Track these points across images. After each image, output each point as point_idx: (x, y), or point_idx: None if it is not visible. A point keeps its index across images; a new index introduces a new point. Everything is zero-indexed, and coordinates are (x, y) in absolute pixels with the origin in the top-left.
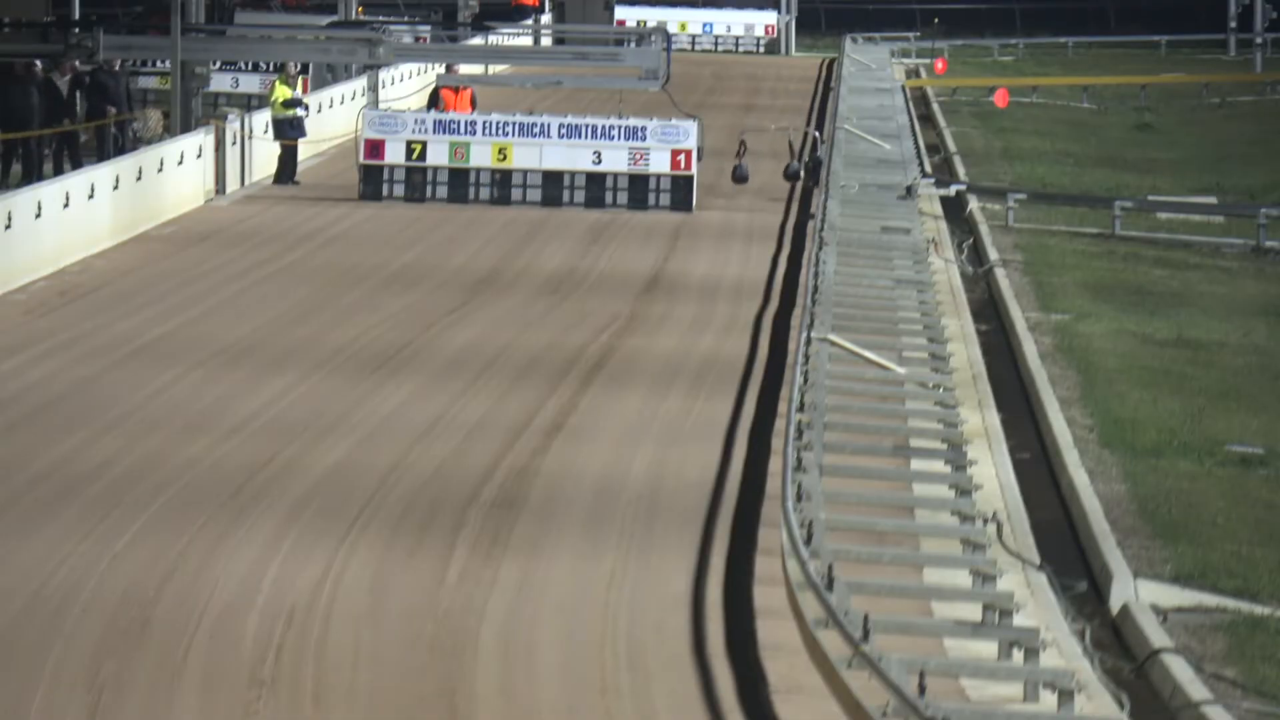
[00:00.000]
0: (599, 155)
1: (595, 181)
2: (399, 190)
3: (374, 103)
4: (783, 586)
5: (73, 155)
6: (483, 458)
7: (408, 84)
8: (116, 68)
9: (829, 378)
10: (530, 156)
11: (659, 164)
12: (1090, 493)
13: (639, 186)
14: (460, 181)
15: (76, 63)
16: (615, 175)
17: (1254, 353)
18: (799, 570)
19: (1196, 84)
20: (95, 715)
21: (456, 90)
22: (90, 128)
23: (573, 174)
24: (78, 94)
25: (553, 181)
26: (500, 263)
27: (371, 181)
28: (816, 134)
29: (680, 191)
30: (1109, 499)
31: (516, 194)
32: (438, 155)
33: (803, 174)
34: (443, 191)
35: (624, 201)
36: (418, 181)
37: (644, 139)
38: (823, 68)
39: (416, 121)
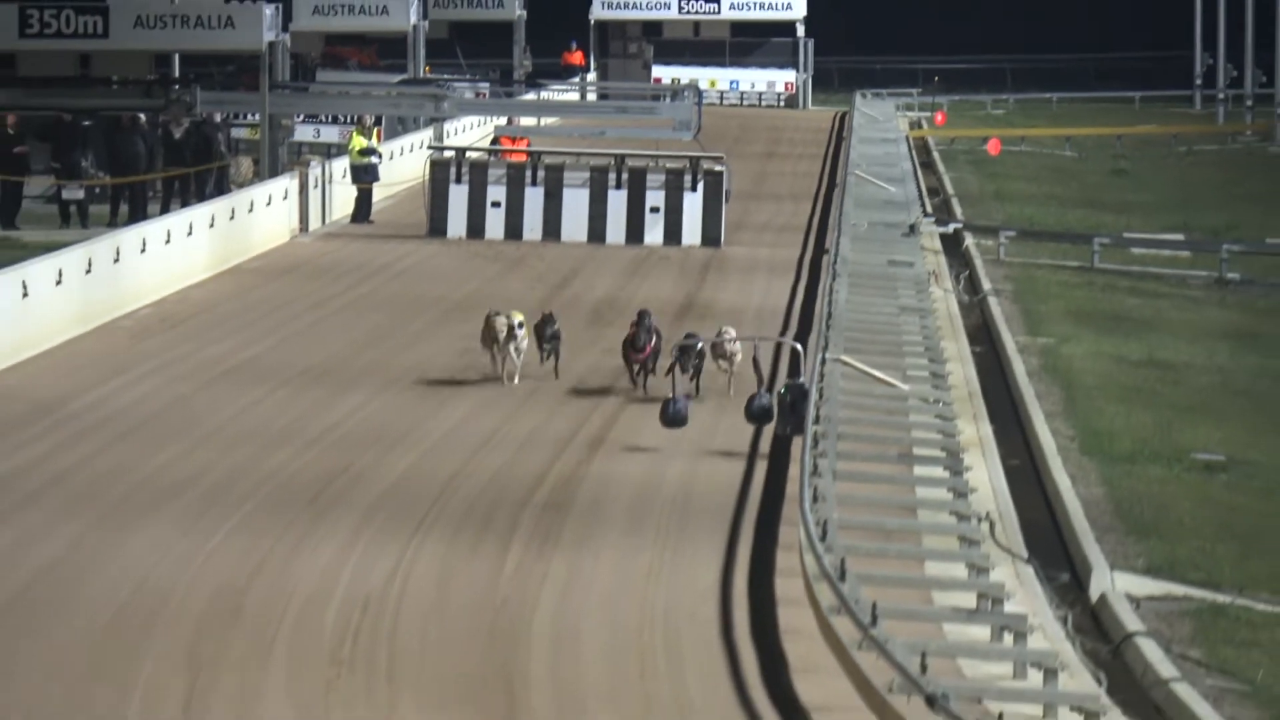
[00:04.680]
0: (639, 195)
1: (635, 219)
2: (461, 229)
3: (439, 136)
4: (800, 578)
5: (183, 196)
6: (534, 466)
7: (469, 134)
8: (217, 120)
9: (842, 394)
10: (577, 198)
11: (691, 205)
12: (1072, 495)
13: (674, 223)
14: (515, 221)
15: (189, 116)
16: (651, 213)
17: (1217, 372)
18: (815, 563)
19: (1166, 134)
20: (194, 691)
21: (514, 140)
22: (193, 172)
23: (614, 213)
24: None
25: (596, 220)
26: (549, 293)
27: (437, 221)
28: (798, 346)
29: (712, 228)
30: (1088, 500)
31: (564, 232)
32: (495, 196)
33: (774, 412)
34: (498, 230)
35: (659, 238)
36: (477, 222)
37: (681, 181)
38: (836, 120)
39: (478, 169)
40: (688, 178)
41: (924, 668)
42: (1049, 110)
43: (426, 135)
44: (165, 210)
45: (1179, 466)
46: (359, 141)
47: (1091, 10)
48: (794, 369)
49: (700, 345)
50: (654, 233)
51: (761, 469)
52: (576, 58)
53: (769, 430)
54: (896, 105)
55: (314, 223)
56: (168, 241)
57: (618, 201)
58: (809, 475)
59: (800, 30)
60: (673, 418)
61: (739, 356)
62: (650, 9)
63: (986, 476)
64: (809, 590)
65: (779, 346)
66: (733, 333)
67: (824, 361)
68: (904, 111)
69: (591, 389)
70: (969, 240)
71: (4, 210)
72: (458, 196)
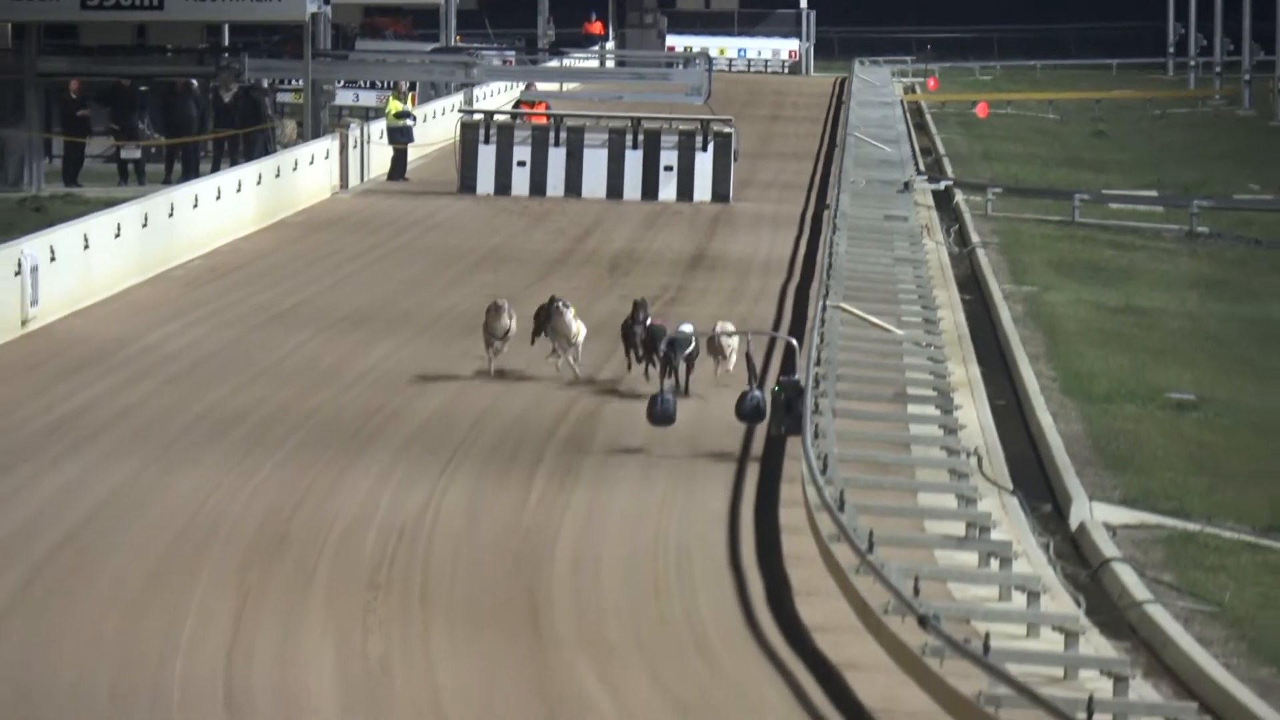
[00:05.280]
0: (654, 155)
1: (650, 176)
2: (489, 186)
3: (469, 102)
4: (803, 508)
5: (232, 155)
6: (557, 405)
7: (497, 99)
8: (264, 85)
9: (841, 338)
10: (596, 158)
11: (702, 164)
12: (1054, 432)
13: (686, 180)
14: (539, 179)
15: (238, 82)
16: (665, 171)
17: (1188, 318)
18: (816, 495)
19: (1141, 99)
20: (242, 613)
21: (533, 104)
22: (242, 134)
23: (630, 171)
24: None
25: (614, 178)
26: (571, 245)
27: (467, 178)
28: (793, 341)
29: (721, 185)
30: (1069, 437)
31: (585, 189)
32: (521, 155)
33: (766, 411)
34: (524, 187)
35: (673, 195)
36: (504, 179)
37: (693, 141)
38: (836, 85)
39: (505, 131)
40: (699, 139)
41: (916, 590)
42: (1033, 76)
43: (457, 100)
44: (216, 169)
45: (1153, 405)
46: (395, 105)
47: None
48: (788, 365)
49: (694, 341)
50: (668, 189)
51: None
52: (596, 28)
53: (775, 373)
54: (892, 72)
55: (353, 180)
56: (218, 198)
57: (634, 161)
58: (810, 413)
59: (803, 2)
60: (660, 415)
61: (735, 353)
62: None
63: (975, 415)
64: (810, 519)
65: (773, 341)
66: (730, 327)
67: (824, 308)
68: (899, 78)
69: (612, 333)
70: (959, 196)
71: (67, 168)
72: (486, 156)
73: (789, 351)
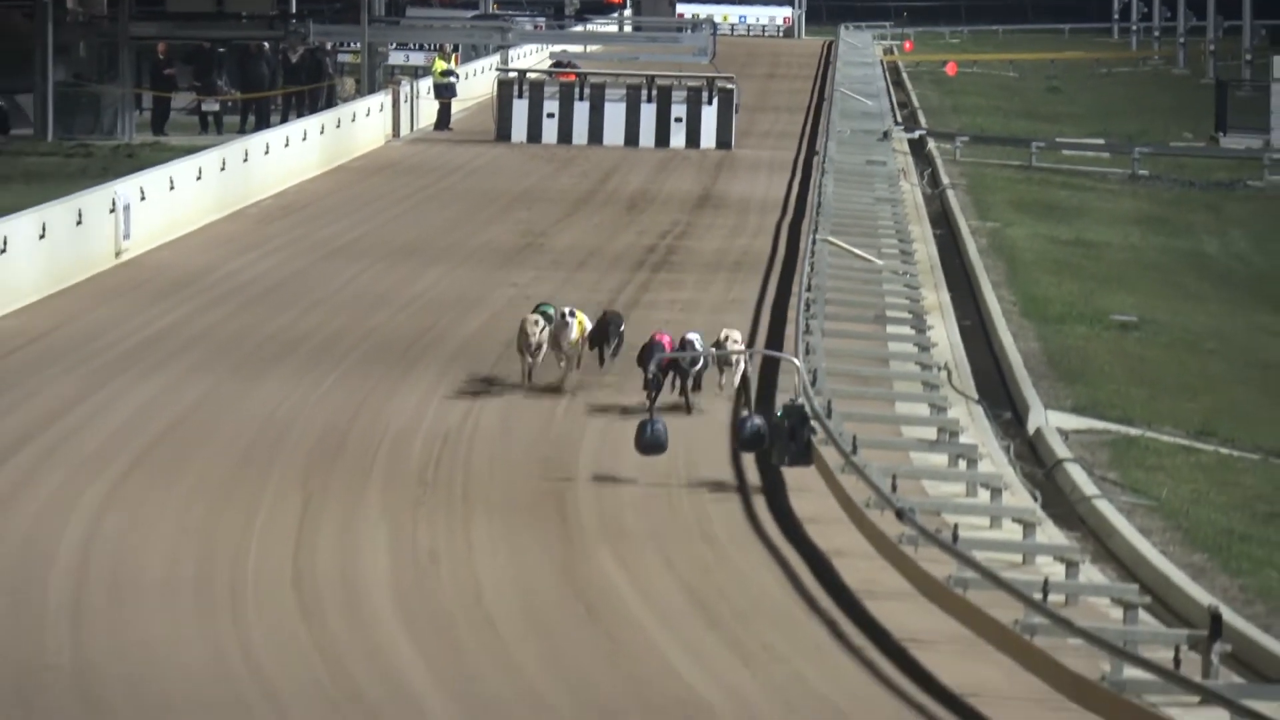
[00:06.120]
0: (666, 108)
1: (662, 127)
2: (522, 135)
3: (505, 61)
4: None
5: (299, 109)
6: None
7: (528, 59)
8: (327, 47)
9: (828, 267)
10: (616, 110)
11: (708, 115)
12: (1014, 349)
13: (694, 130)
14: (566, 129)
15: (304, 44)
16: (675, 122)
17: (1130, 250)
18: (806, 403)
19: (1090, 59)
20: (307, 507)
21: (562, 66)
22: (307, 90)
23: (645, 122)
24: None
25: (631, 128)
26: (594, 186)
27: (503, 128)
28: (796, 361)
29: (724, 134)
30: (1027, 353)
31: (606, 137)
32: (550, 109)
33: (768, 442)
34: (552, 136)
35: (682, 142)
36: (536, 129)
37: (699, 96)
38: (824, 48)
39: (536, 87)
40: (705, 94)
41: (894, 487)
42: (996, 39)
43: (494, 60)
44: (284, 120)
45: (1099, 326)
46: (440, 65)
47: None
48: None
49: (700, 360)
50: (678, 138)
51: (764, 327)
52: None
53: (771, 297)
54: (873, 35)
55: (404, 130)
56: (286, 145)
57: (648, 113)
58: (802, 333)
59: None
60: (650, 442)
61: (743, 365)
62: None
63: (945, 334)
64: None
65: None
66: (737, 336)
67: (814, 241)
68: (879, 41)
69: (631, 264)
70: (931, 144)
71: (155, 120)
72: (519, 109)
73: (775, 368)
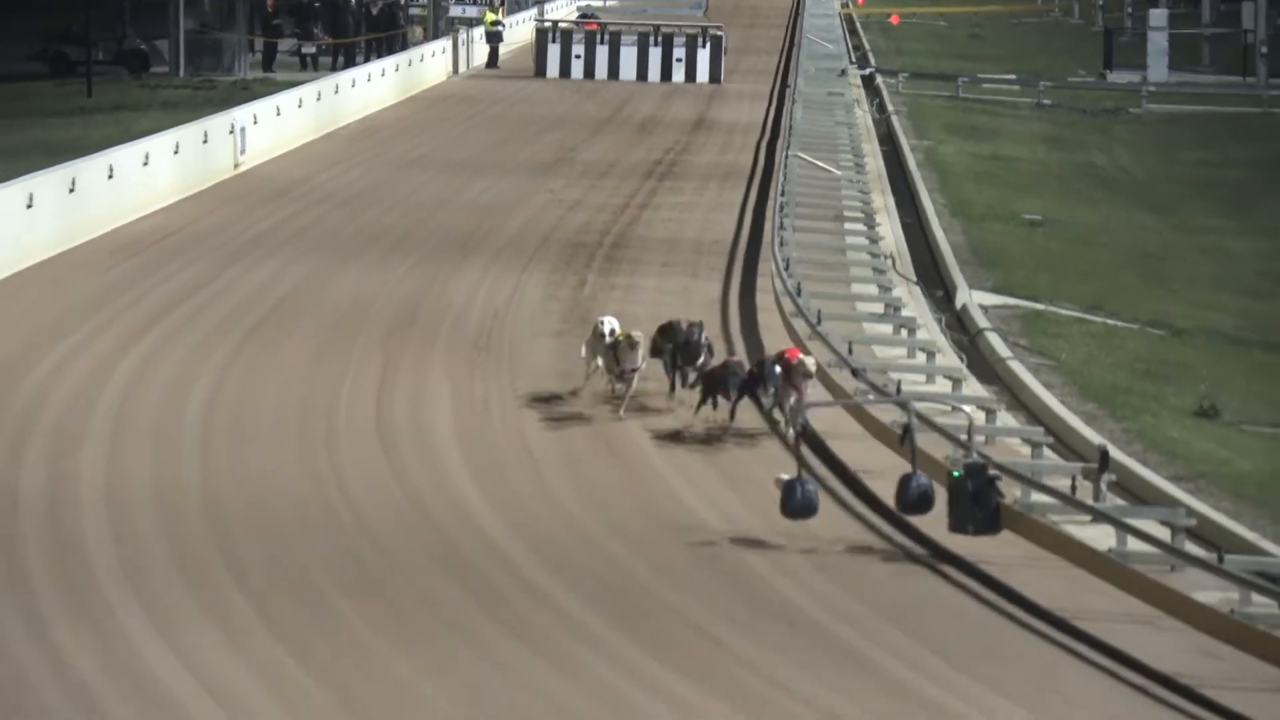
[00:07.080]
0: (669, 51)
1: (666, 65)
2: (556, 72)
3: (541, 14)
4: (772, 294)
5: (378, 51)
6: (604, 221)
7: (561, 10)
8: (401, 1)
9: (798, 177)
10: (630, 52)
11: (702, 57)
12: (945, 241)
13: (691, 68)
14: (590, 66)
15: None
16: (677, 62)
17: (1038, 164)
18: (781, 285)
19: (1006, 11)
20: (386, 365)
21: (587, 17)
22: (384, 36)
23: (653, 61)
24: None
25: (642, 66)
26: (612, 113)
27: (540, 67)
28: (967, 410)
29: (715, 71)
30: (955, 245)
31: (621, 73)
32: (578, 51)
33: (934, 500)
34: (580, 73)
35: (682, 77)
36: (566, 67)
37: (695, 41)
38: (794, 3)
39: (566, 34)
40: (700, 40)
41: (850, 351)
42: None
43: (533, 12)
44: (366, 61)
45: (1012, 224)
46: (490, 16)
47: None
48: (796, 413)
49: (774, 380)
50: (678, 74)
51: (747, 224)
52: None
53: (753, 200)
54: None
55: (462, 68)
56: (368, 80)
57: (655, 54)
58: (777, 230)
59: None
60: (801, 506)
61: (813, 383)
62: None
63: (890, 230)
64: (778, 301)
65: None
66: (810, 364)
67: (786, 157)
68: None
69: (642, 174)
70: (879, 79)
71: (265, 60)
72: (553, 51)
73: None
